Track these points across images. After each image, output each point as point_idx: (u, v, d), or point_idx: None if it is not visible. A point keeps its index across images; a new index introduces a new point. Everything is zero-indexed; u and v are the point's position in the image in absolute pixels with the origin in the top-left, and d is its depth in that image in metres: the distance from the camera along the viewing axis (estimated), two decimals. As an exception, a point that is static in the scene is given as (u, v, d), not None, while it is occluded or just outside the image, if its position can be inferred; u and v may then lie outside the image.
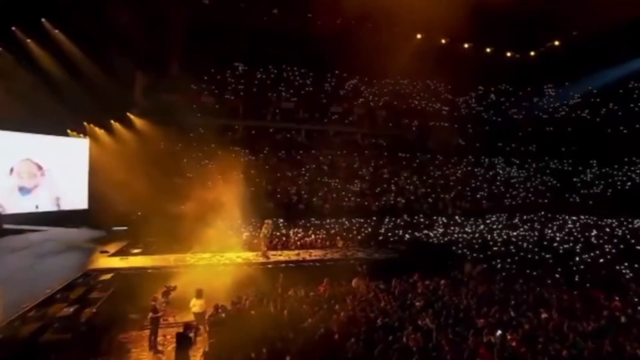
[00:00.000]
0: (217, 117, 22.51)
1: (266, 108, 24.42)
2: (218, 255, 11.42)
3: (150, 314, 8.06)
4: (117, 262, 10.49)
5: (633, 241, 12.45)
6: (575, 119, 26.54)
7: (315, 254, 12.10)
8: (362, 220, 15.97)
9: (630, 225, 15.45)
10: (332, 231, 14.39)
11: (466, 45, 22.63)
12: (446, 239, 13.60)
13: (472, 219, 16.38)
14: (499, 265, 11.14)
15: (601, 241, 12.76)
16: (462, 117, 27.40)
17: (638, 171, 22.23)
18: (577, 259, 11.36)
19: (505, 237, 13.87)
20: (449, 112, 27.49)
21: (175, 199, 14.89)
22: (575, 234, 14.15)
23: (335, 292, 9.48)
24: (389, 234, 14.41)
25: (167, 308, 8.95)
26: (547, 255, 11.67)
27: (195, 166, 19.38)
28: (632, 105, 25.66)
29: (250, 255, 11.68)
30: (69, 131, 15.39)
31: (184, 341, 7.08)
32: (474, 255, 11.65)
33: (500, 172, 23.38)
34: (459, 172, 22.73)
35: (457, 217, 16.66)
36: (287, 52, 25.04)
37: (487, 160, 24.70)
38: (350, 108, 26.20)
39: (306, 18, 21.28)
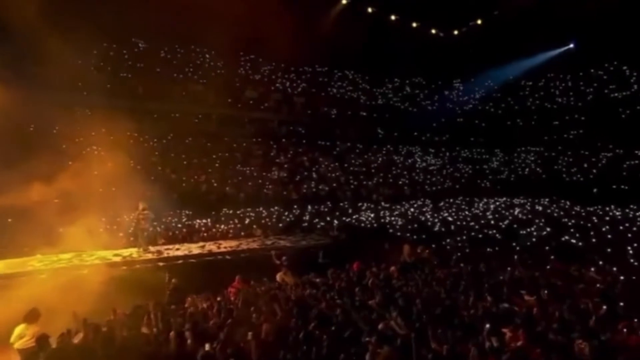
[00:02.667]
0: (110, 97, 19.31)
1: (171, 90, 21.51)
2: (85, 255, 8.60)
3: None
4: None
5: (555, 215, 12.86)
6: (481, 111, 28.29)
7: (227, 245, 9.83)
8: (281, 209, 14.27)
9: (540, 204, 16.10)
10: (247, 220, 12.38)
11: (393, 17, 22.26)
12: (380, 221, 12.47)
13: (398, 204, 15.74)
14: (447, 247, 10.23)
15: (529, 216, 12.88)
16: (380, 107, 27.43)
17: (533, 158, 24.31)
18: (522, 232, 11.05)
19: (439, 218, 13.27)
20: (367, 102, 27.45)
21: (42, 189, 11.69)
22: (503, 212, 14.17)
23: (253, 294, 7.08)
24: (315, 220, 12.83)
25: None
26: (491, 232, 11.20)
27: (79, 152, 16.14)
28: (524, 100, 28.36)
29: (134, 252, 9.09)
30: None
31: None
32: (414, 237, 10.62)
33: (418, 160, 23.60)
34: (379, 160, 22.38)
35: (382, 203, 15.90)
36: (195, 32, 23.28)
37: (405, 149, 24.84)
38: (266, 93, 24.52)
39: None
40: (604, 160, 21.54)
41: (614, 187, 17.19)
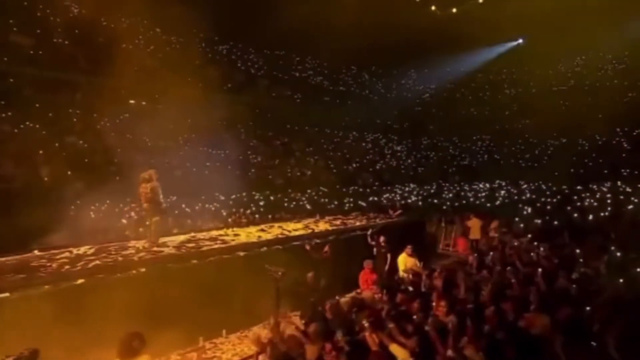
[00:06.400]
0: (41, 68, 16.57)
1: (117, 63, 18.73)
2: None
3: None
4: None
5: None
6: (436, 101, 29.17)
7: (293, 228, 7.71)
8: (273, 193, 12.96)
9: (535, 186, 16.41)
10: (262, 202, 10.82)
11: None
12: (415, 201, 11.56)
13: (399, 186, 15.17)
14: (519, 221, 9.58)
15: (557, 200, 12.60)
16: (342, 93, 26.94)
17: (488, 145, 25.60)
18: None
19: (470, 195, 12.69)
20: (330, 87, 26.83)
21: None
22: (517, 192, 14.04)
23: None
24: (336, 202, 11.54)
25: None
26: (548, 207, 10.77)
27: (11, 129, 13.54)
28: (477, 91, 29.99)
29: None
30: None
31: None
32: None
33: (385, 147, 23.48)
34: (349, 146, 21.83)
35: (374, 188, 15.30)
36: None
37: (370, 136, 24.61)
38: (228, 74, 22.61)
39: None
40: (551, 148, 23.34)
41: (582, 170, 18.35)
